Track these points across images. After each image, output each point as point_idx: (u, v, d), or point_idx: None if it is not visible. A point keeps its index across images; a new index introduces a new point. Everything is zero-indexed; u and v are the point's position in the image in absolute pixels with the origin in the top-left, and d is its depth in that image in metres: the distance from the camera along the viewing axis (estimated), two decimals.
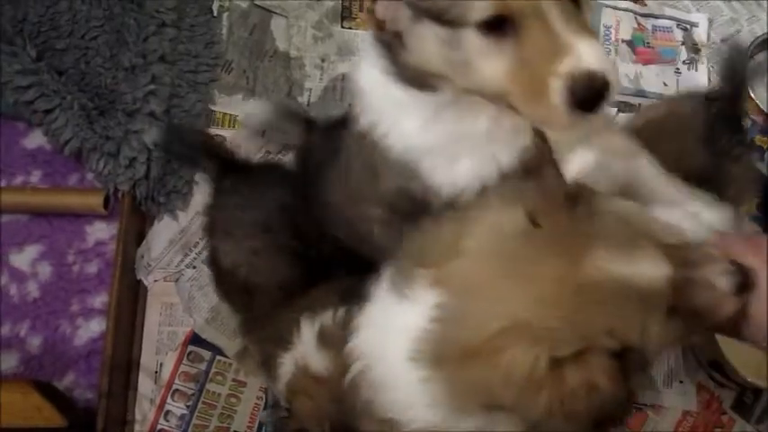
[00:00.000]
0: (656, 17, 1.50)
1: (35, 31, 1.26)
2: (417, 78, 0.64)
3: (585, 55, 0.52)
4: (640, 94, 1.44)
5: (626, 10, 1.49)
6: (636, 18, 1.49)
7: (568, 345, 0.56)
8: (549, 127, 0.64)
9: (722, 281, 0.61)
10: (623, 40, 1.48)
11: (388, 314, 0.67)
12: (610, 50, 1.46)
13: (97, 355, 1.19)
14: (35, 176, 1.29)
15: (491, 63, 0.57)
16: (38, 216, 1.26)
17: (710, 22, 1.49)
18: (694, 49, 1.47)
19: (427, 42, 0.59)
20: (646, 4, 1.50)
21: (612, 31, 1.48)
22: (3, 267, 1.24)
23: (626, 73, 1.45)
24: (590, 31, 0.54)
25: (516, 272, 0.59)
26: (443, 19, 0.56)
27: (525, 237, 0.59)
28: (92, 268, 1.26)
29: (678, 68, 1.46)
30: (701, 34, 1.48)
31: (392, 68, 0.65)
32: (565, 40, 0.52)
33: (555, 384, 0.55)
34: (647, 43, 1.48)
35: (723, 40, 1.48)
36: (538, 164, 0.70)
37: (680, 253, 0.61)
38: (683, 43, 1.48)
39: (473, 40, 0.56)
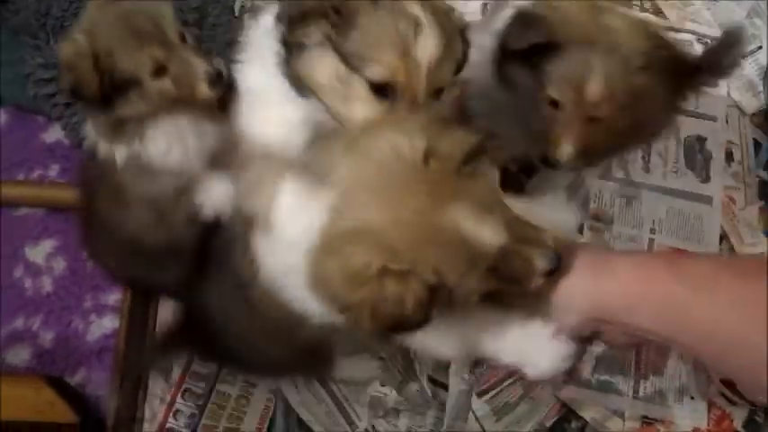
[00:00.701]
0: (677, 31, 1.49)
1: (58, 26, 1.26)
2: (297, 83, 0.79)
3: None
4: None
5: None
6: None
7: (399, 264, 0.66)
8: None
9: (539, 261, 0.71)
10: None
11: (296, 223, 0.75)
12: None
13: (109, 352, 1.19)
14: (53, 170, 1.30)
15: (366, 109, 0.74)
16: (54, 211, 1.27)
17: None
18: None
19: (324, 68, 0.75)
20: (667, 18, 1.50)
21: None
22: (18, 261, 1.24)
23: None
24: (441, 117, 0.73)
25: (389, 190, 0.69)
26: (347, 58, 0.72)
27: (413, 166, 0.69)
28: None
29: None
30: None
31: (280, 67, 0.80)
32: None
33: (375, 288, 0.66)
34: None
35: (743, 57, 1.47)
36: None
37: (520, 228, 0.71)
38: None
39: (361, 87, 0.73)
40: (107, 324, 1.22)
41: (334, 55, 0.74)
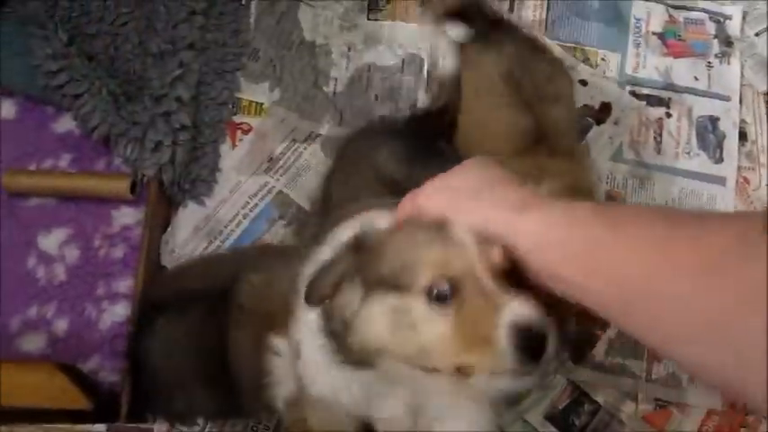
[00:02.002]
0: (689, 9, 1.47)
1: (66, 16, 1.28)
2: (360, 358, 0.72)
3: (520, 309, 0.60)
4: (670, 87, 1.42)
5: (657, 2, 1.47)
6: (668, 10, 1.46)
7: None
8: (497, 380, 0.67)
9: None
10: (654, 33, 1.45)
11: None
12: (639, 43, 1.44)
13: (121, 339, 1.20)
14: (64, 160, 1.30)
15: (434, 326, 0.64)
16: (66, 200, 1.28)
17: (745, 15, 1.46)
18: (727, 42, 1.44)
19: (376, 314, 0.67)
20: None
21: (643, 23, 1.46)
22: (32, 250, 1.25)
23: (656, 66, 1.42)
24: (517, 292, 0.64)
25: None
26: (394, 285, 0.66)
27: None
28: (117, 253, 1.26)
29: (710, 62, 1.43)
30: (734, 27, 1.45)
31: (337, 356, 0.73)
32: (499, 300, 0.62)
33: None
34: (679, 36, 1.45)
35: (757, 34, 1.45)
36: None
37: None
38: (715, 36, 1.45)
39: (419, 305, 0.65)
40: (119, 312, 1.23)
41: (380, 293, 0.68)
